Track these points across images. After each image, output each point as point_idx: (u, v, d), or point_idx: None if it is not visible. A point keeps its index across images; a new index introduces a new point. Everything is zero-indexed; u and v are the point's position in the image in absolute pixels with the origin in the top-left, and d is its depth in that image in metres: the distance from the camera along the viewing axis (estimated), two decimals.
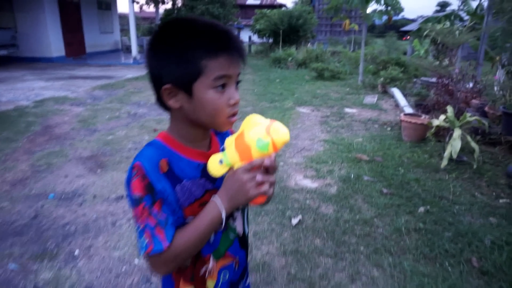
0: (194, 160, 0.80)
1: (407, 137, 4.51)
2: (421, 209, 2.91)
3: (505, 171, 3.58)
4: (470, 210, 2.91)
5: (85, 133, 4.87)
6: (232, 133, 0.99)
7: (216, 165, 0.75)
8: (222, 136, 0.93)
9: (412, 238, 2.52)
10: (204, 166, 0.78)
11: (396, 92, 6.88)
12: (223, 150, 0.76)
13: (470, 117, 3.51)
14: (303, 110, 6.49)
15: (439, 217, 2.78)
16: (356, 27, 14.22)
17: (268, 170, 0.70)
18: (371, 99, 7.25)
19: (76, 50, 14.61)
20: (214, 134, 0.91)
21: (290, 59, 12.92)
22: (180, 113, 0.77)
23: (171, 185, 0.75)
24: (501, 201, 3.08)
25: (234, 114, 0.76)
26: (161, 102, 0.77)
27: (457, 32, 8.43)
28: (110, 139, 4.63)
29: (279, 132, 0.68)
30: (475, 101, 5.05)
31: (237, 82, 0.77)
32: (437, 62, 9.77)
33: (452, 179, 3.46)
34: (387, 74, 7.53)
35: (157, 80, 0.74)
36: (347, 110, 6.42)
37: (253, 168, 0.69)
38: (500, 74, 6.01)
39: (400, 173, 3.57)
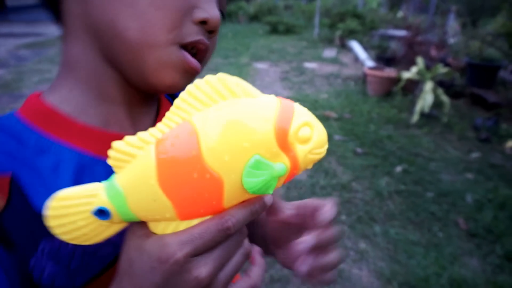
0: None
1: (373, 92, 4.31)
2: (398, 168, 2.73)
3: (472, 124, 3.51)
4: (446, 167, 2.79)
5: (8, 100, 4.08)
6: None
7: (86, 219, 0.28)
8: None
9: (396, 202, 2.32)
10: None
11: (355, 45, 6.63)
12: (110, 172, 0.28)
13: (442, 68, 3.32)
14: (261, 66, 6.04)
15: (418, 177, 2.62)
16: None
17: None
18: (330, 53, 6.95)
19: None
20: (167, 100, 0.47)
21: (241, 12, 12.15)
22: (80, 35, 0.36)
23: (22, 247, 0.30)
24: (473, 155, 2.99)
25: (199, 44, 0.33)
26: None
27: None
28: None
29: (315, 139, 0.27)
30: (434, 52, 4.94)
31: None
32: (392, 15, 9.67)
33: (424, 134, 3.32)
34: (345, 26, 7.22)
35: None
36: (307, 65, 6.08)
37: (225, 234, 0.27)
38: (449, 26, 5.93)
39: (372, 130, 3.36)
